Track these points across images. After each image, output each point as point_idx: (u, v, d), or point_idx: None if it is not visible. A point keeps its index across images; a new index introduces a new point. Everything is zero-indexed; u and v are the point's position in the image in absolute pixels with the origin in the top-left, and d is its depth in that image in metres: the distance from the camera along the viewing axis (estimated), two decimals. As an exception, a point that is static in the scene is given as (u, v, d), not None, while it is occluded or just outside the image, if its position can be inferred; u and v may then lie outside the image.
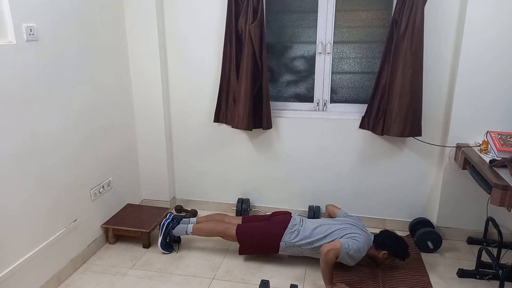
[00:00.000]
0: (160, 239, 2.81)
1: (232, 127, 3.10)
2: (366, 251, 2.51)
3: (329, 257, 2.37)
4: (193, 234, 2.80)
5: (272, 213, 2.85)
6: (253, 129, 3.06)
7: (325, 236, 2.54)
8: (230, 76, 3.02)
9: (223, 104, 3.12)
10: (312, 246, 2.56)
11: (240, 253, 2.72)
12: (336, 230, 2.55)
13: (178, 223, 2.85)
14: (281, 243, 2.60)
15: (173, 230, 2.80)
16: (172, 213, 2.95)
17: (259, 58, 2.92)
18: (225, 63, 3.01)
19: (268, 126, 3.07)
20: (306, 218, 2.77)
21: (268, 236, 2.64)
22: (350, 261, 2.48)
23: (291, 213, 2.78)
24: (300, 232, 2.60)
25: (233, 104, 3.07)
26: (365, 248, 2.50)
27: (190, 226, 2.80)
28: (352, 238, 2.47)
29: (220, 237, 2.77)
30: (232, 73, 3.00)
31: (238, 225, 2.71)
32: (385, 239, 2.58)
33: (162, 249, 2.81)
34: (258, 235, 2.67)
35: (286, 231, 2.61)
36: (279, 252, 2.66)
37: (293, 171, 3.26)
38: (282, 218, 2.71)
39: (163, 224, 2.82)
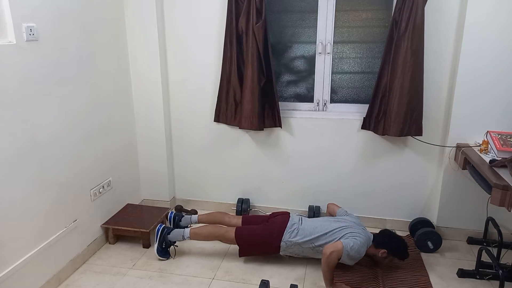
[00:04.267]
0: (156, 245, 2.74)
1: (239, 128, 3.09)
2: (365, 250, 2.51)
3: (332, 259, 2.37)
4: (190, 239, 2.73)
5: (271, 214, 2.84)
6: (260, 129, 3.05)
7: (325, 234, 2.54)
8: (231, 76, 3.01)
9: (223, 104, 3.12)
10: (313, 245, 2.56)
11: (240, 256, 2.71)
12: (336, 228, 2.55)
13: (176, 227, 2.85)
14: (282, 243, 2.60)
15: (168, 235, 2.73)
16: (174, 211, 2.98)
17: (264, 58, 2.91)
18: (226, 63, 3.01)
19: (279, 124, 3.06)
20: (305, 217, 2.77)
21: (268, 238, 2.63)
22: (350, 262, 2.48)
23: (289, 213, 2.77)
24: (300, 230, 2.60)
25: (234, 104, 3.07)
26: (365, 247, 2.50)
27: (187, 230, 2.73)
28: (353, 237, 2.47)
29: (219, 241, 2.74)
30: (233, 73, 2.99)
31: (237, 228, 2.68)
32: (384, 238, 2.59)
33: (159, 255, 2.74)
34: (258, 237, 2.66)
35: (285, 231, 2.61)
36: (280, 253, 2.66)
37: (293, 171, 3.26)
38: (281, 219, 2.70)
39: (158, 229, 2.74)
